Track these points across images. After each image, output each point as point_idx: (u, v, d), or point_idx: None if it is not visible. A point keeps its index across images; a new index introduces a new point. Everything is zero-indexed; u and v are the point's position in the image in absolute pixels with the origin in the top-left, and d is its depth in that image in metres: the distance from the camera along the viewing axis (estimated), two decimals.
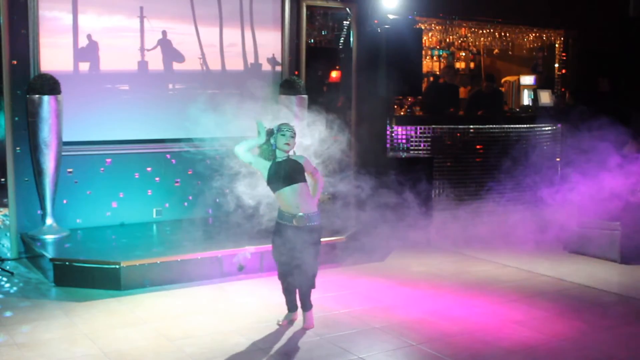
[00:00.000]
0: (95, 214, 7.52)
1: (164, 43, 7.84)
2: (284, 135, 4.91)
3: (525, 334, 5.10)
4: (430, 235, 8.24)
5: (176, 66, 7.88)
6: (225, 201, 6.73)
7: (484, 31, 11.23)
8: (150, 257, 6.31)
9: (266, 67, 8.46)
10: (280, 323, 5.18)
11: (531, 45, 12.19)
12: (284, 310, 5.25)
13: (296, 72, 8.55)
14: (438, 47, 12.14)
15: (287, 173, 4.87)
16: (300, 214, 4.88)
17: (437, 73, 11.99)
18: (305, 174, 4.98)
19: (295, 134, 4.97)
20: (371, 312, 5.53)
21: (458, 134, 9.79)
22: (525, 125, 10.39)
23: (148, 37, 7.73)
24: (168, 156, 7.90)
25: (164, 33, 7.82)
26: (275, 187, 4.92)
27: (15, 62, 6.99)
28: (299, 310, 5.20)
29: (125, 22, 7.61)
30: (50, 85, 6.85)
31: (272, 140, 4.92)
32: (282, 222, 4.97)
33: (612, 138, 7.81)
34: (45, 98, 6.82)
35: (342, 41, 9.98)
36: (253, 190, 5.37)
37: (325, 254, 6.98)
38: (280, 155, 4.93)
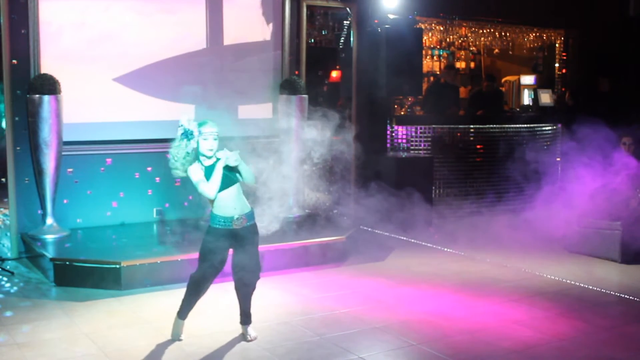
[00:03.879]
0: (95, 214, 7.52)
1: (164, 44, 7.84)
2: (206, 139, 4.47)
3: (526, 333, 5.10)
4: (430, 235, 8.24)
5: (176, 66, 7.88)
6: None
7: (484, 31, 11.22)
8: (151, 257, 6.31)
9: (266, 67, 8.46)
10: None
11: (531, 45, 12.18)
12: (283, 310, 5.24)
13: (296, 72, 8.55)
14: (438, 47, 12.13)
15: (223, 175, 4.51)
16: (237, 216, 4.59)
17: (438, 73, 11.99)
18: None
19: (218, 135, 4.53)
20: (371, 312, 5.53)
21: (458, 134, 9.79)
22: (525, 125, 10.40)
23: (148, 37, 7.73)
24: (168, 156, 7.88)
25: (164, 34, 7.82)
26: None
27: (15, 62, 6.99)
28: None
29: (126, 22, 7.60)
30: (50, 85, 6.85)
31: (193, 145, 4.47)
32: (217, 227, 4.62)
33: (611, 138, 7.82)
34: (45, 98, 6.82)
35: (342, 41, 9.98)
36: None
37: (325, 254, 7.01)
38: (209, 158, 4.53)
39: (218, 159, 4.53)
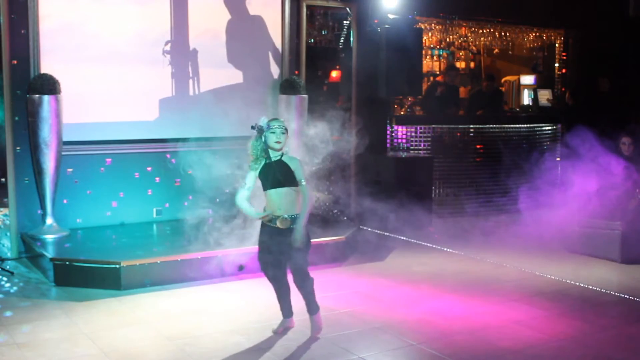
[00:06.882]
0: (95, 214, 7.52)
1: (163, 43, 7.84)
2: (274, 132, 4.68)
3: (526, 333, 5.10)
4: (430, 235, 8.24)
5: (176, 66, 7.88)
6: (226, 201, 6.74)
7: (484, 31, 11.23)
8: (150, 257, 6.31)
9: (266, 66, 8.46)
10: (276, 331, 5.04)
11: (531, 45, 12.19)
12: None
13: (296, 72, 8.54)
14: (438, 46, 12.14)
15: (275, 176, 4.71)
16: (285, 215, 4.71)
17: (438, 73, 11.99)
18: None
19: (286, 130, 4.74)
20: (371, 312, 5.53)
21: (458, 134, 9.79)
22: (525, 125, 10.40)
23: (148, 37, 7.72)
24: (168, 156, 7.90)
25: (164, 33, 7.83)
26: (263, 187, 4.80)
27: (15, 62, 6.99)
28: (295, 316, 5.07)
29: (126, 22, 7.60)
30: (50, 85, 6.85)
31: (262, 139, 4.70)
32: (266, 223, 4.82)
33: (610, 138, 7.82)
34: (45, 98, 6.82)
35: (342, 41, 9.99)
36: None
37: (325, 254, 7.01)
38: (274, 155, 4.73)
39: (283, 155, 4.75)
